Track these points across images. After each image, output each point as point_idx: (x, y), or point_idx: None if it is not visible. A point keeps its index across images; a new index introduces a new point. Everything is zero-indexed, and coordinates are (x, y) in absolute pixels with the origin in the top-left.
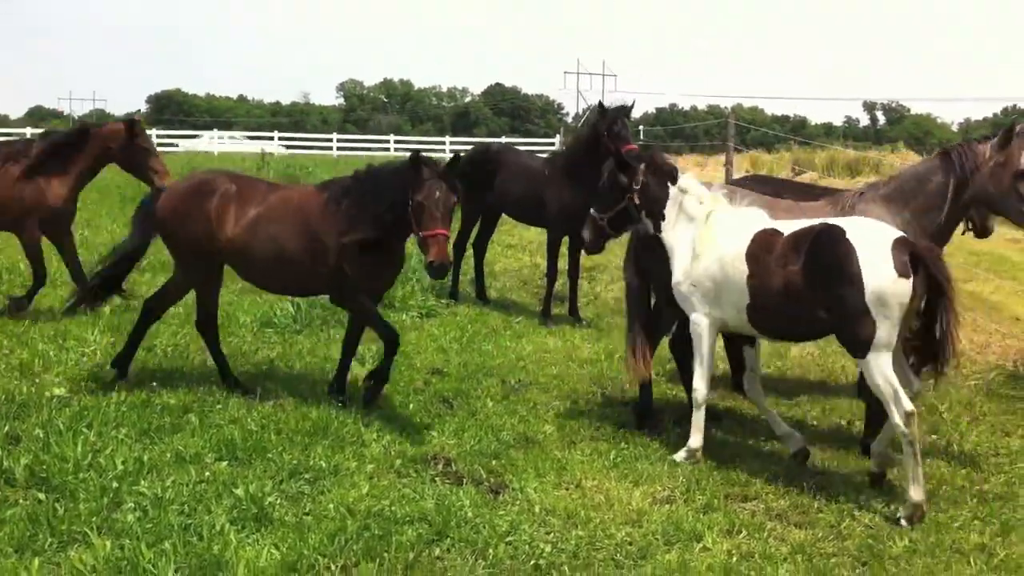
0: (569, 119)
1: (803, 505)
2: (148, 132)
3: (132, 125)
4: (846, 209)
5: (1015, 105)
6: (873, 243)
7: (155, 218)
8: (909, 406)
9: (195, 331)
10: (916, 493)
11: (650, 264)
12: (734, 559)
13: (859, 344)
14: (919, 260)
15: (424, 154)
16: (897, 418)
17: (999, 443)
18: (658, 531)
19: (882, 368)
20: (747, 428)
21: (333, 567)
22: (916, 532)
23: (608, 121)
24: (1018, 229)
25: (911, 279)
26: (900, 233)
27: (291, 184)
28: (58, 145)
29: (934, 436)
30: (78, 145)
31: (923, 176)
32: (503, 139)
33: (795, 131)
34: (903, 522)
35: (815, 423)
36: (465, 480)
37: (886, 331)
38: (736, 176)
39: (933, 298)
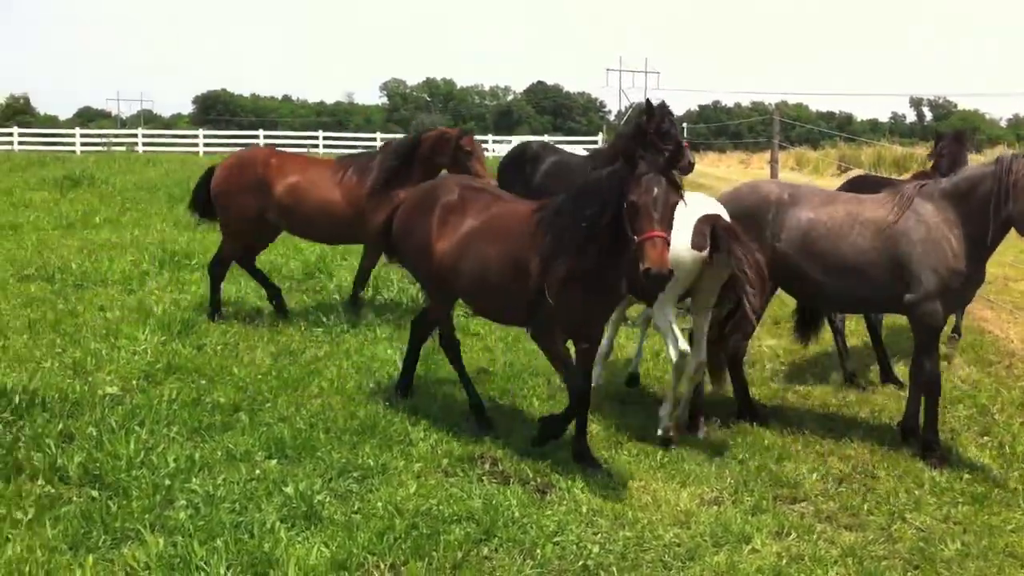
0: (611, 116)
1: (853, 507)
2: (196, 132)
3: (462, 134)
4: (903, 202)
5: None
6: (683, 215)
7: (389, 235)
8: (684, 347)
9: (245, 330)
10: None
11: None
12: (783, 561)
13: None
14: (720, 237)
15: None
16: (672, 352)
17: None
18: (706, 532)
19: (664, 313)
20: (795, 429)
21: (382, 565)
22: (969, 535)
23: (656, 120)
24: None
25: (704, 252)
26: (712, 211)
27: (515, 198)
28: (400, 156)
29: (986, 438)
30: (414, 154)
31: (975, 180)
32: (545, 137)
33: (841, 128)
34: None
35: (865, 421)
36: (512, 479)
37: (671, 289)
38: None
39: (733, 275)
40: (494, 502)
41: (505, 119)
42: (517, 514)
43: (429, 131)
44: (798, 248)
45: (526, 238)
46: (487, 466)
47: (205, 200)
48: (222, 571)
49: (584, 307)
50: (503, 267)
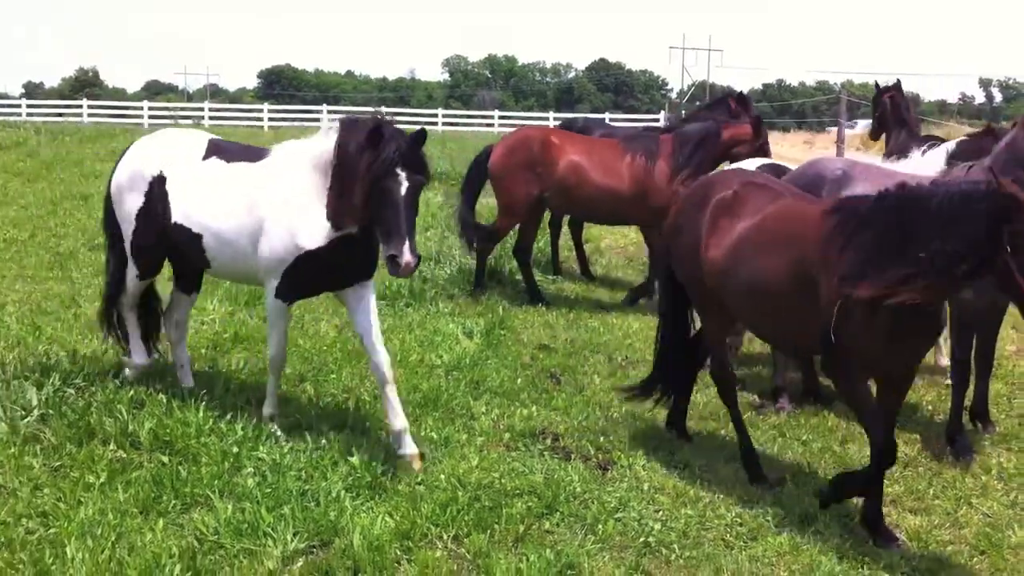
0: (673, 95)
1: (918, 491)
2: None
3: (759, 124)
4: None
5: None
6: None
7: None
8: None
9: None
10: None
11: None
12: (847, 544)
13: None
14: None
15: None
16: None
17: None
18: (769, 513)
19: None
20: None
21: (445, 536)
22: None
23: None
24: None
25: None
26: None
27: (801, 194)
28: (698, 143)
29: None
30: (712, 141)
31: (1012, 153)
32: (606, 115)
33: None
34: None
35: (931, 404)
36: (573, 455)
37: None
38: (848, 152)
39: None
40: (555, 477)
41: (566, 96)
42: (579, 489)
43: (730, 121)
44: None
45: (814, 245)
46: (548, 441)
47: (479, 179)
48: (289, 537)
49: (895, 342)
50: (781, 281)
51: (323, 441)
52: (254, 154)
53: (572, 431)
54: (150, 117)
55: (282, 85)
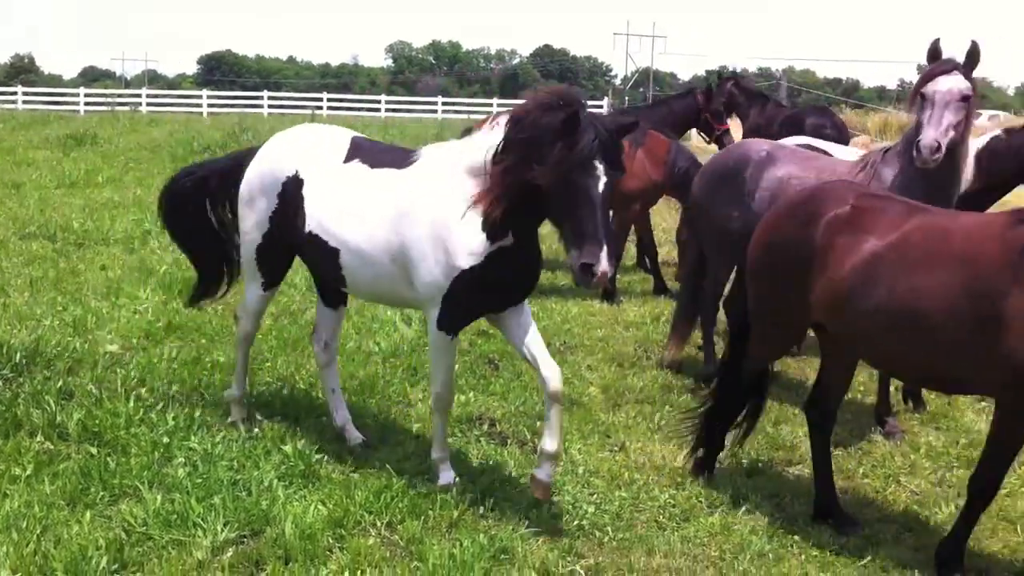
0: (617, 81)
1: (848, 470)
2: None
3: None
4: (868, 168)
5: None
6: None
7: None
8: None
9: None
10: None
11: None
12: (777, 523)
13: None
14: None
15: None
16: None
17: None
18: (701, 494)
19: None
20: (794, 394)
21: (379, 524)
22: (962, 499)
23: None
24: None
25: None
26: None
27: (945, 211)
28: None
29: (983, 403)
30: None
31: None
32: None
33: (847, 94)
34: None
35: (863, 385)
36: (509, 440)
37: None
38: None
39: None
40: (491, 462)
41: (511, 82)
42: (514, 474)
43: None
44: (768, 206)
45: (999, 268)
46: (485, 427)
47: None
48: (219, 528)
49: None
50: (948, 308)
51: (256, 430)
52: (400, 158)
53: (509, 416)
54: (86, 104)
55: (222, 71)
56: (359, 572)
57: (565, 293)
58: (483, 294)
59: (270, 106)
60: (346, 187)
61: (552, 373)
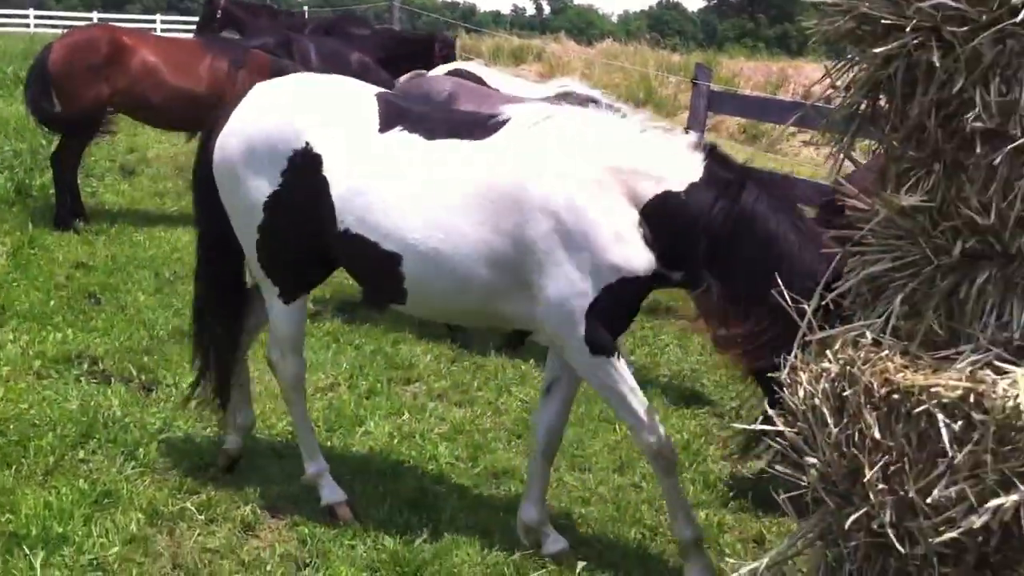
0: None
1: (463, 384)
2: None
3: None
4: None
5: None
6: None
7: None
8: None
9: None
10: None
11: None
12: (395, 440)
13: None
14: None
15: None
16: None
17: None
18: (320, 419)
19: None
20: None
21: None
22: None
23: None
24: None
25: None
26: None
27: None
28: None
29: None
30: None
31: None
32: (157, 18)
33: (465, 18)
34: None
35: None
36: (114, 378)
37: None
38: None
39: None
40: (93, 403)
41: None
42: (119, 413)
43: None
44: None
45: None
46: (86, 366)
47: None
48: None
49: None
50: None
51: None
52: (468, 122)
53: (113, 353)
54: None
55: None
56: None
57: (175, 220)
58: (640, 300)
59: None
60: (396, 166)
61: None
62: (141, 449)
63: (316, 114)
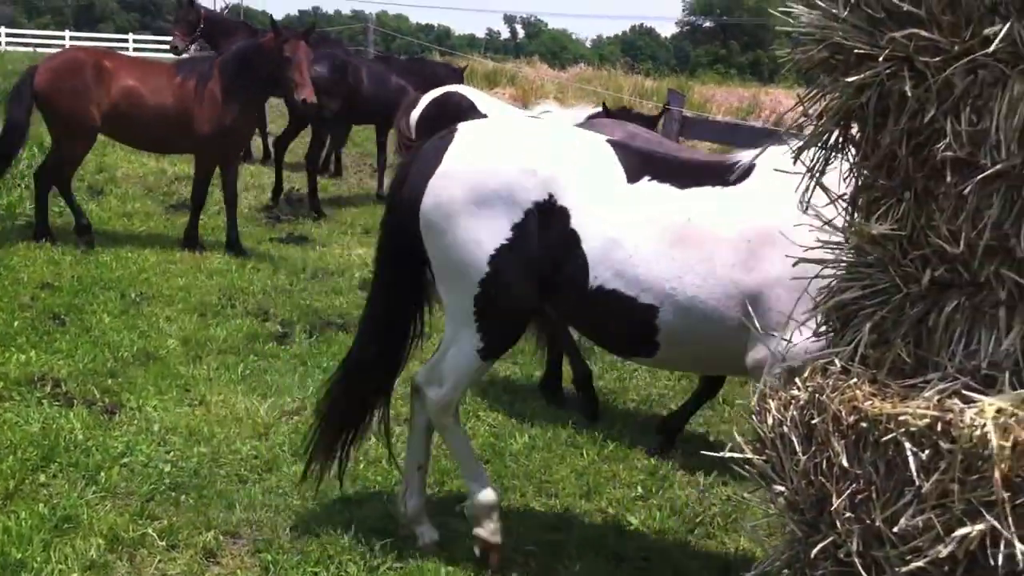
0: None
1: None
2: None
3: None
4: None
5: (643, 24)
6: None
7: None
8: None
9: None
10: None
11: None
12: (361, 465)
13: None
14: None
15: None
16: None
17: None
18: (285, 443)
19: None
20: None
21: None
22: (536, 429)
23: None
24: None
25: None
26: None
27: None
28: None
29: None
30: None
31: None
32: (130, 37)
33: (439, 41)
34: None
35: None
36: (76, 401)
37: None
38: None
39: None
40: (54, 426)
41: (87, 15)
42: (80, 437)
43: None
44: None
45: None
46: (48, 388)
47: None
48: None
49: None
50: None
51: None
52: (710, 169)
53: (77, 375)
54: None
55: None
56: None
57: (143, 240)
58: None
59: None
60: (654, 219)
61: None
62: (103, 473)
63: (560, 164)
